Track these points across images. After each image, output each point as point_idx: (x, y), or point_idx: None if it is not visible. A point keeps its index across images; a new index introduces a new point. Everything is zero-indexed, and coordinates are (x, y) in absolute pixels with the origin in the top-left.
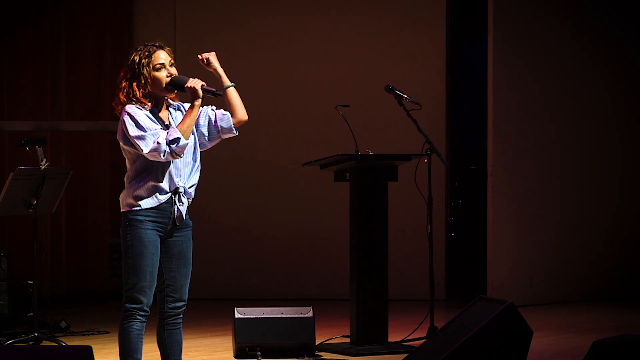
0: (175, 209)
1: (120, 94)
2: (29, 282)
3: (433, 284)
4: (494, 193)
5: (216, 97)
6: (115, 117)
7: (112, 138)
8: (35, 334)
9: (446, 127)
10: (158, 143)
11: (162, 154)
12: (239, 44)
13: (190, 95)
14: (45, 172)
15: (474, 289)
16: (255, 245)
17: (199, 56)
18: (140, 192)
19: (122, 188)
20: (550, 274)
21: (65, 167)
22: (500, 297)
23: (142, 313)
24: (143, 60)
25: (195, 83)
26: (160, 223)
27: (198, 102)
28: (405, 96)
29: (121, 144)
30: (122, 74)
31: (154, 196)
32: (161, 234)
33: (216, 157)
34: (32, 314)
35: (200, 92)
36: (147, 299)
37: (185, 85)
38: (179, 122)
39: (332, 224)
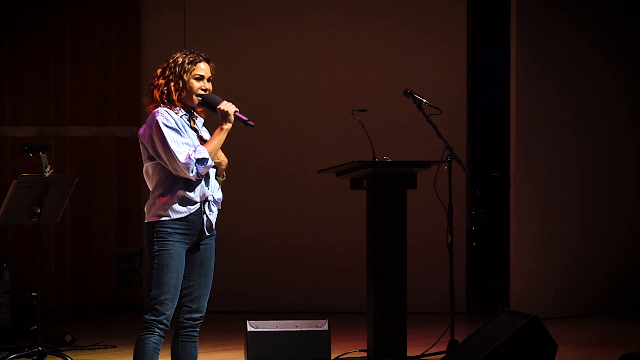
0: (205, 218)
1: (156, 91)
2: (33, 294)
3: (453, 295)
4: (516, 201)
5: (247, 127)
6: (123, 122)
7: (119, 144)
8: (39, 348)
9: (467, 133)
10: (189, 159)
11: (191, 172)
12: (251, 46)
13: (220, 118)
14: (50, 180)
15: (496, 301)
16: (269, 256)
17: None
18: (170, 201)
19: (128, 196)
20: (575, 285)
21: (70, 174)
22: (523, 309)
23: (161, 326)
24: (186, 65)
25: (229, 107)
26: (188, 235)
27: (227, 127)
28: (425, 100)
29: (147, 147)
30: (159, 70)
31: (183, 206)
32: (187, 246)
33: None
34: (35, 327)
35: (232, 118)
36: (168, 312)
37: (218, 107)
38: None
39: (348, 234)
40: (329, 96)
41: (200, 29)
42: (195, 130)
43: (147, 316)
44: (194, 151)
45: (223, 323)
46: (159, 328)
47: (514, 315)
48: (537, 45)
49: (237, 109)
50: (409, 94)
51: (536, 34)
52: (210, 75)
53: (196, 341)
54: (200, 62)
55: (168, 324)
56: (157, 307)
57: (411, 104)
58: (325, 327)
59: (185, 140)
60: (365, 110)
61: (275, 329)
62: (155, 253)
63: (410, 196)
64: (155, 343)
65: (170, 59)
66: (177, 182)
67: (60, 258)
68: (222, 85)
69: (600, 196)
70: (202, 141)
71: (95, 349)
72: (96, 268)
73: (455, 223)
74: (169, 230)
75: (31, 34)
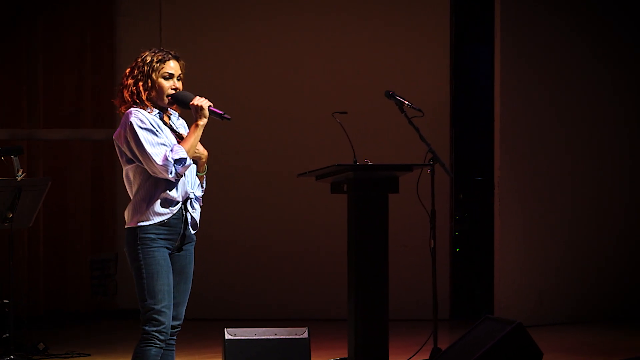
0: (189, 216)
1: (125, 92)
2: (5, 301)
3: (436, 302)
4: (501, 205)
5: (223, 120)
6: (97, 124)
7: (93, 147)
8: (11, 357)
9: (450, 135)
10: (167, 160)
11: (170, 173)
12: (229, 47)
13: (194, 114)
14: (22, 184)
15: (480, 307)
16: (247, 262)
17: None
18: (151, 205)
19: (103, 200)
20: (561, 292)
21: (43, 178)
22: (508, 316)
23: (162, 337)
24: (155, 64)
25: (202, 102)
26: (170, 240)
27: (203, 122)
28: (407, 102)
29: (124, 150)
30: (128, 70)
31: (165, 208)
32: (169, 251)
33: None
34: (7, 335)
35: (207, 112)
36: (168, 320)
37: (191, 103)
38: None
39: (329, 239)
40: (309, 98)
41: (177, 28)
42: (171, 127)
43: (147, 327)
44: (171, 151)
45: (200, 331)
46: (159, 340)
47: (499, 322)
48: (523, 43)
49: (211, 103)
50: (390, 95)
51: (522, 31)
52: (180, 73)
53: (173, 349)
54: (169, 60)
55: (168, 332)
56: (156, 316)
57: (393, 105)
58: (305, 335)
59: (160, 140)
60: (345, 113)
61: (254, 337)
62: (142, 261)
63: (392, 200)
64: (155, 355)
65: (138, 57)
66: (159, 185)
67: (33, 264)
68: (197, 86)
69: (589, 199)
70: (179, 138)
71: (69, 357)
72: (70, 274)
73: (438, 228)
74: (152, 236)
75: (3, 33)
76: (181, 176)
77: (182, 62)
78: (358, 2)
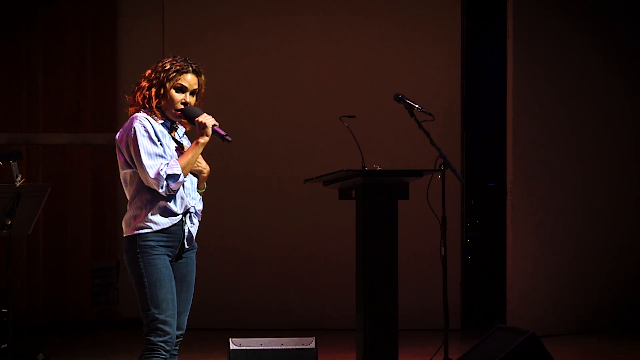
0: (186, 230)
1: (138, 94)
2: (3, 310)
3: (447, 311)
4: (513, 212)
5: (224, 142)
6: (98, 128)
7: (94, 152)
8: None
9: (461, 140)
10: (159, 175)
11: (161, 187)
12: (233, 48)
13: (198, 130)
14: (21, 190)
15: (492, 317)
16: (253, 270)
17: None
18: (150, 213)
19: (104, 206)
20: (575, 300)
21: (42, 184)
22: (521, 326)
23: (167, 347)
24: (171, 74)
25: (207, 120)
26: (170, 247)
27: (204, 140)
28: (417, 106)
29: (124, 153)
30: (148, 71)
31: (165, 217)
32: (170, 259)
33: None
34: (6, 345)
35: (210, 131)
36: (173, 330)
37: (196, 119)
38: (181, 154)
39: (336, 247)
40: (315, 101)
41: (180, 30)
42: (174, 137)
43: (151, 337)
44: (167, 165)
45: (204, 340)
46: (165, 350)
47: (511, 332)
48: (535, 46)
49: (217, 123)
50: (400, 99)
51: (534, 34)
52: (196, 88)
53: None
54: (187, 72)
55: (173, 342)
56: (161, 326)
57: (402, 109)
58: (313, 345)
59: (159, 151)
60: (354, 117)
61: (260, 347)
62: (143, 270)
63: (401, 207)
64: None
65: (160, 62)
66: (158, 193)
67: (32, 272)
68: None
69: (601, 206)
70: (181, 149)
71: None
72: (70, 283)
73: (449, 235)
74: (152, 243)
75: (1, 35)
76: (174, 191)
77: (202, 78)
78: (366, 3)
